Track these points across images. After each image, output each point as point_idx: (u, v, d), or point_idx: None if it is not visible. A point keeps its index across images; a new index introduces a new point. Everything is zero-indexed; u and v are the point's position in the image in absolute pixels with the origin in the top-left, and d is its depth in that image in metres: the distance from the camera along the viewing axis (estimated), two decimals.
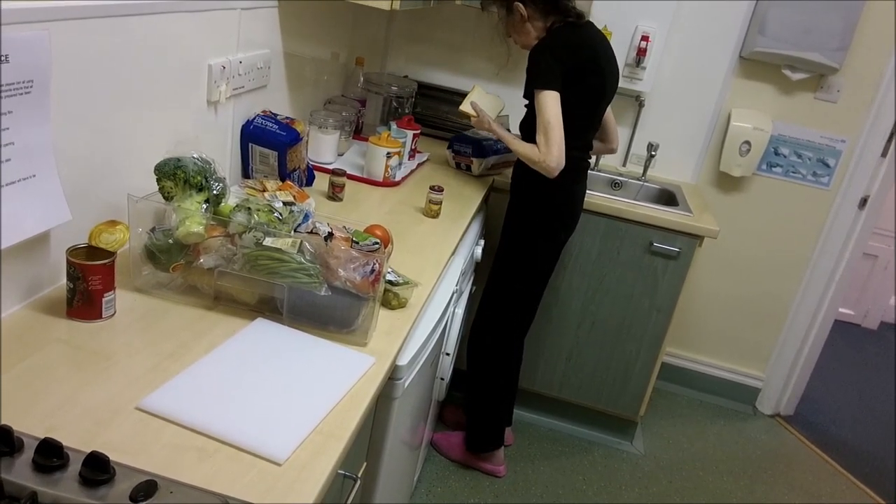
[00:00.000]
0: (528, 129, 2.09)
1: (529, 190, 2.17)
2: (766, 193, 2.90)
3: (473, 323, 2.42)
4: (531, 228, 2.20)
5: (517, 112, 2.33)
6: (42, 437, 0.82)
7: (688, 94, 2.80)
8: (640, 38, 2.65)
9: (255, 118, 1.78)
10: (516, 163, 2.21)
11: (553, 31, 2.04)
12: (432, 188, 1.95)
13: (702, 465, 2.78)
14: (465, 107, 2.28)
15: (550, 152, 1.96)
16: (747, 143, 2.76)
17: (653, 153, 2.77)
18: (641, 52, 2.66)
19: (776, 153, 2.84)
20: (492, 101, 2.39)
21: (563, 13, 2.03)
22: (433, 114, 2.82)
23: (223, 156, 1.73)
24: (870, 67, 2.67)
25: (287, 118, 1.81)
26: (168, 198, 1.25)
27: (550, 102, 1.94)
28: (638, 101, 2.81)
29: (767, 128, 2.75)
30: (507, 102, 2.45)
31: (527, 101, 2.14)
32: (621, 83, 2.26)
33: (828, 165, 2.83)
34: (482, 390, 2.43)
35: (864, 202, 2.84)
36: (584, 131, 2.14)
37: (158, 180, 1.26)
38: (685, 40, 2.72)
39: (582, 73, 2.00)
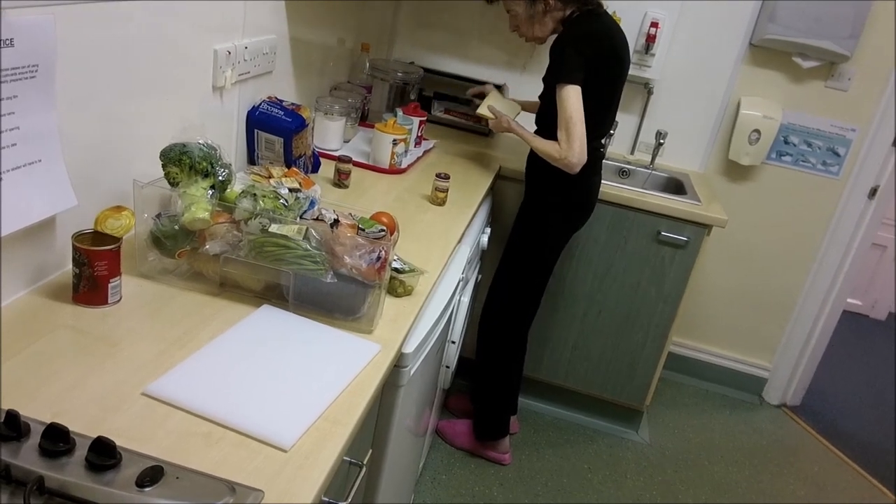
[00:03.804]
0: (545, 122, 2.07)
1: (547, 181, 2.15)
2: (775, 182, 2.88)
3: (483, 310, 2.41)
4: (548, 219, 2.19)
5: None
6: (49, 422, 0.82)
7: (697, 82, 2.78)
8: (649, 24, 2.63)
9: (260, 104, 1.77)
10: (532, 154, 2.18)
11: (572, 22, 2.01)
12: (438, 175, 1.94)
13: (707, 454, 2.78)
14: (483, 110, 2.29)
15: (572, 149, 1.94)
16: (757, 131, 2.73)
17: (661, 141, 2.75)
18: (650, 39, 2.63)
19: (786, 142, 2.82)
20: (508, 104, 2.38)
21: (582, 2, 2.00)
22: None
23: (229, 142, 1.72)
24: (881, 56, 2.64)
25: (293, 104, 1.80)
26: (174, 184, 1.25)
27: (573, 97, 1.92)
28: (646, 88, 2.79)
29: (777, 116, 2.73)
30: (513, 95, 2.44)
31: (540, 94, 2.12)
32: (630, 70, 2.24)
33: (838, 154, 2.81)
34: (491, 378, 2.43)
35: (873, 192, 2.82)
36: (602, 121, 2.12)
37: (164, 166, 1.25)
38: (695, 27, 2.70)
39: (604, 63, 1.98)
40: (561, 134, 1.96)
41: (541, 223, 2.21)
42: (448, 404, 2.70)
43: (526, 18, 2.07)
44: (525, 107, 2.40)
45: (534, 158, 2.17)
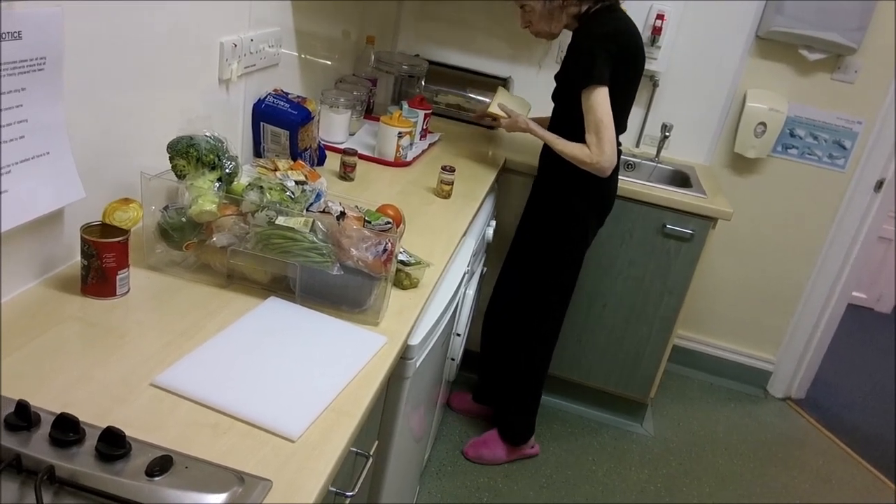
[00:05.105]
0: (561, 121, 2.03)
1: (572, 182, 2.07)
2: (780, 175, 2.87)
3: (489, 305, 2.38)
4: (579, 221, 2.14)
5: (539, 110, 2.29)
6: (58, 412, 0.83)
7: (703, 74, 2.77)
8: (655, 16, 2.62)
9: (266, 97, 1.77)
10: (549, 154, 2.09)
11: (590, 19, 1.95)
12: (444, 168, 1.94)
13: (711, 447, 2.79)
14: (494, 108, 2.21)
15: (603, 152, 1.90)
16: (762, 124, 2.72)
17: (666, 134, 2.74)
18: (656, 31, 2.63)
19: (792, 135, 2.81)
20: (518, 102, 2.31)
21: None
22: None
23: (235, 135, 1.73)
24: (888, 48, 2.63)
25: (298, 97, 1.80)
26: (181, 176, 1.25)
27: (602, 99, 1.87)
28: (652, 80, 2.78)
29: (783, 109, 2.72)
30: (528, 93, 2.39)
31: (553, 94, 2.07)
32: None
33: (844, 147, 2.80)
34: (527, 381, 2.38)
35: (879, 185, 2.81)
36: (622, 119, 2.04)
37: (171, 158, 1.26)
38: (701, 19, 2.69)
39: (625, 61, 1.92)
40: (591, 137, 1.90)
41: (569, 225, 2.14)
42: (451, 403, 2.67)
43: (542, 14, 2.00)
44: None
45: (553, 158, 2.07)
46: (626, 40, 1.94)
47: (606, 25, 1.94)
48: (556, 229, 2.17)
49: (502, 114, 2.19)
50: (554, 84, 2.09)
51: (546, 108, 2.17)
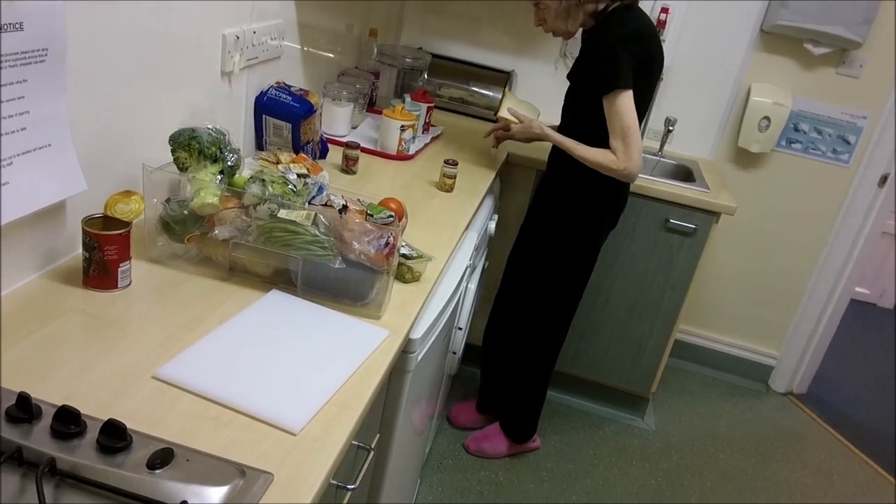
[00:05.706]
0: (572, 122, 1.98)
1: (590, 187, 2.02)
2: (784, 170, 2.86)
3: (493, 310, 2.38)
4: (594, 225, 2.11)
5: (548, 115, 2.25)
6: (60, 404, 0.83)
7: (707, 68, 2.75)
8: (659, 10, 2.61)
9: (268, 90, 1.77)
10: (562, 156, 2.02)
11: (609, 18, 1.88)
12: (446, 162, 1.93)
13: (713, 442, 2.79)
14: (504, 113, 2.13)
15: (631, 158, 1.83)
16: (767, 118, 2.71)
17: (670, 128, 2.73)
18: (661, 25, 2.61)
19: (796, 129, 2.79)
20: (527, 107, 2.25)
21: None
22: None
23: (237, 127, 1.72)
24: (893, 42, 2.61)
25: (301, 90, 1.79)
26: (183, 168, 1.25)
27: (628, 103, 1.81)
28: None
29: (788, 103, 2.71)
30: (541, 94, 2.33)
31: (567, 94, 2.03)
32: None
33: (848, 142, 2.78)
34: (532, 381, 2.37)
35: (883, 180, 2.80)
36: (640, 121, 1.95)
37: (173, 151, 1.25)
38: (705, 13, 2.67)
39: (646, 64, 1.86)
40: (617, 143, 1.84)
41: (579, 226, 2.10)
42: (452, 419, 2.58)
43: (558, 12, 1.92)
44: None
45: (564, 158, 2.00)
46: (648, 42, 1.88)
47: (627, 25, 1.86)
48: (565, 230, 2.12)
49: (513, 119, 2.11)
50: (565, 83, 2.04)
51: (552, 105, 2.12)
